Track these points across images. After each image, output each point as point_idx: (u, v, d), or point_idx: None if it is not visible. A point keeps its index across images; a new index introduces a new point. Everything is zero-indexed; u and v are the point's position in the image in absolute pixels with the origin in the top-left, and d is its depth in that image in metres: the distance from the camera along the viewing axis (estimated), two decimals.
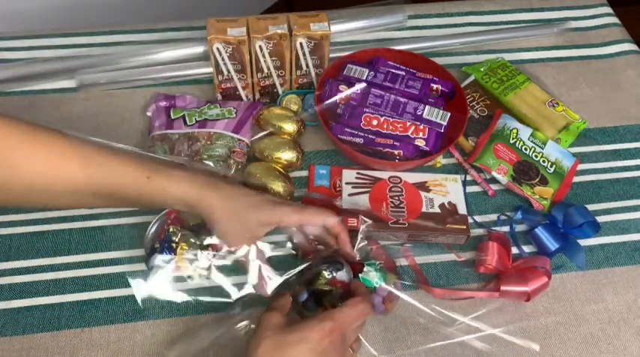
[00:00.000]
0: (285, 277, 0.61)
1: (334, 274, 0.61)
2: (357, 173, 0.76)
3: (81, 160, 0.55)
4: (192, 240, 0.67)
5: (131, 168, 0.57)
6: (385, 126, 0.78)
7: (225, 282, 0.62)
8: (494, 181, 0.79)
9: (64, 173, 0.55)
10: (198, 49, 0.90)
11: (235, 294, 0.61)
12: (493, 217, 0.76)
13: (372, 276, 0.62)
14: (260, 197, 0.60)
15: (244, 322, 0.60)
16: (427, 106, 0.79)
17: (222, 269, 0.62)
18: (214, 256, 0.61)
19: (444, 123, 0.78)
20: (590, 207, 0.76)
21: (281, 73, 0.82)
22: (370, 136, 0.77)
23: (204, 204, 0.58)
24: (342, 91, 0.80)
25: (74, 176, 0.55)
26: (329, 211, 0.62)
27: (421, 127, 0.77)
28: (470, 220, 0.74)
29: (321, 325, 0.51)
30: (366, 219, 0.67)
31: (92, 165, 0.55)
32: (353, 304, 0.55)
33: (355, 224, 0.70)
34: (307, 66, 0.83)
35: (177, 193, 0.58)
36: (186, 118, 0.79)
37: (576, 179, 0.80)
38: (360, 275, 0.62)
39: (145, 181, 0.57)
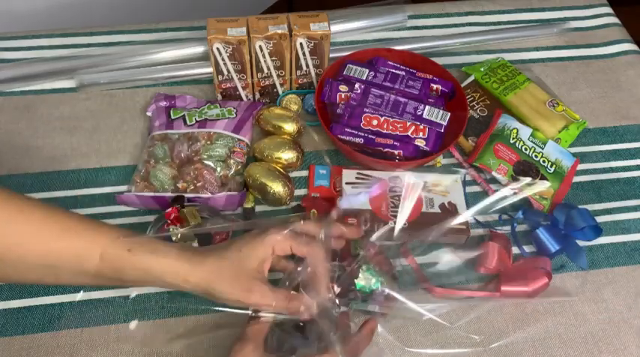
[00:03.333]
0: None
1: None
2: (357, 173, 0.76)
3: (58, 230, 0.50)
4: (192, 240, 0.68)
5: (111, 239, 0.52)
6: (385, 126, 0.78)
7: None
8: (494, 181, 0.79)
9: (39, 243, 0.50)
10: (198, 49, 0.90)
11: None
12: (493, 217, 0.76)
13: (367, 281, 0.61)
14: (244, 240, 0.54)
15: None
16: (427, 106, 0.79)
17: None
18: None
19: (444, 123, 0.78)
20: (591, 207, 0.76)
21: (281, 73, 0.82)
22: (370, 136, 0.77)
23: (195, 279, 0.52)
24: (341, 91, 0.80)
25: (48, 247, 0.50)
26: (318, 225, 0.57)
27: (421, 127, 0.77)
28: (470, 220, 0.74)
29: None
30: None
31: (68, 236, 0.51)
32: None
33: (355, 223, 0.70)
34: (307, 66, 0.83)
35: (162, 268, 0.52)
36: (186, 118, 0.79)
37: (576, 179, 0.80)
38: (355, 281, 0.62)
39: (125, 255, 0.51)
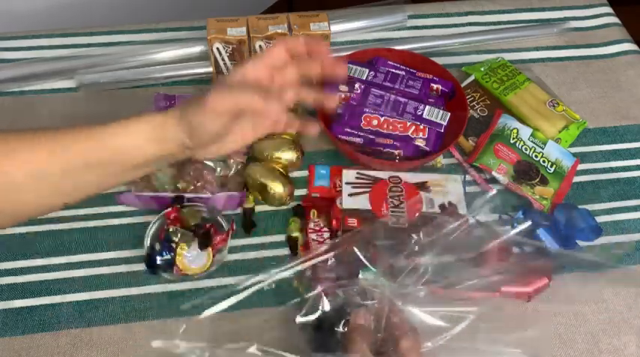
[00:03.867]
0: None
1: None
2: (357, 173, 0.76)
3: (30, 138, 0.52)
4: (192, 240, 0.68)
5: (83, 127, 0.54)
6: (385, 126, 0.78)
7: None
8: (494, 181, 0.79)
9: (16, 155, 0.51)
10: (198, 49, 0.90)
11: None
12: (493, 217, 0.76)
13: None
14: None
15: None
16: (427, 106, 0.79)
17: None
18: None
19: (444, 123, 0.78)
20: (590, 207, 0.76)
21: None
22: (370, 136, 0.77)
23: (171, 119, 0.53)
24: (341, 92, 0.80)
25: (26, 156, 0.51)
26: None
27: (421, 127, 0.78)
28: (471, 220, 0.74)
29: None
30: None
31: (42, 140, 0.52)
32: None
33: (355, 224, 0.70)
34: None
35: (139, 125, 0.53)
36: None
37: (576, 179, 0.80)
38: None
39: (101, 130, 0.53)
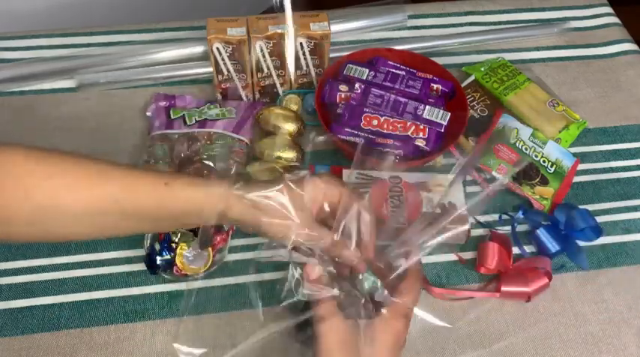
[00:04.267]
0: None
1: None
2: (357, 173, 0.76)
3: (95, 176, 0.51)
4: (192, 240, 0.68)
5: (148, 176, 0.52)
6: (385, 126, 0.78)
7: None
8: (494, 181, 0.78)
9: (79, 191, 0.50)
10: (198, 49, 0.90)
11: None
12: (493, 217, 0.76)
13: (365, 281, 0.61)
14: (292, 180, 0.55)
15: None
16: (427, 106, 0.79)
17: None
18: None
19: (444, 123, 0.78)
20: (590, 207, 0.76)
21: (281, 73, 0.82)
22: (370, 136, 0.77)
23: (239, 208, 0.52)
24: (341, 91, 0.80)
25: (88, 193, 0.50)
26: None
27: (421, 127, 0.77)
28: (470, 220, 0.74)
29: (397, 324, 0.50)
30: None
31: (108, 179, 0.51)
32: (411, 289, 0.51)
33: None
34: (307, 66, 0.83)
35: (202, 194, 0.52)
36: (186, 118, 0.79)
37: (576, 179, 0.80)
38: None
39: (163, 189, 0.51)
